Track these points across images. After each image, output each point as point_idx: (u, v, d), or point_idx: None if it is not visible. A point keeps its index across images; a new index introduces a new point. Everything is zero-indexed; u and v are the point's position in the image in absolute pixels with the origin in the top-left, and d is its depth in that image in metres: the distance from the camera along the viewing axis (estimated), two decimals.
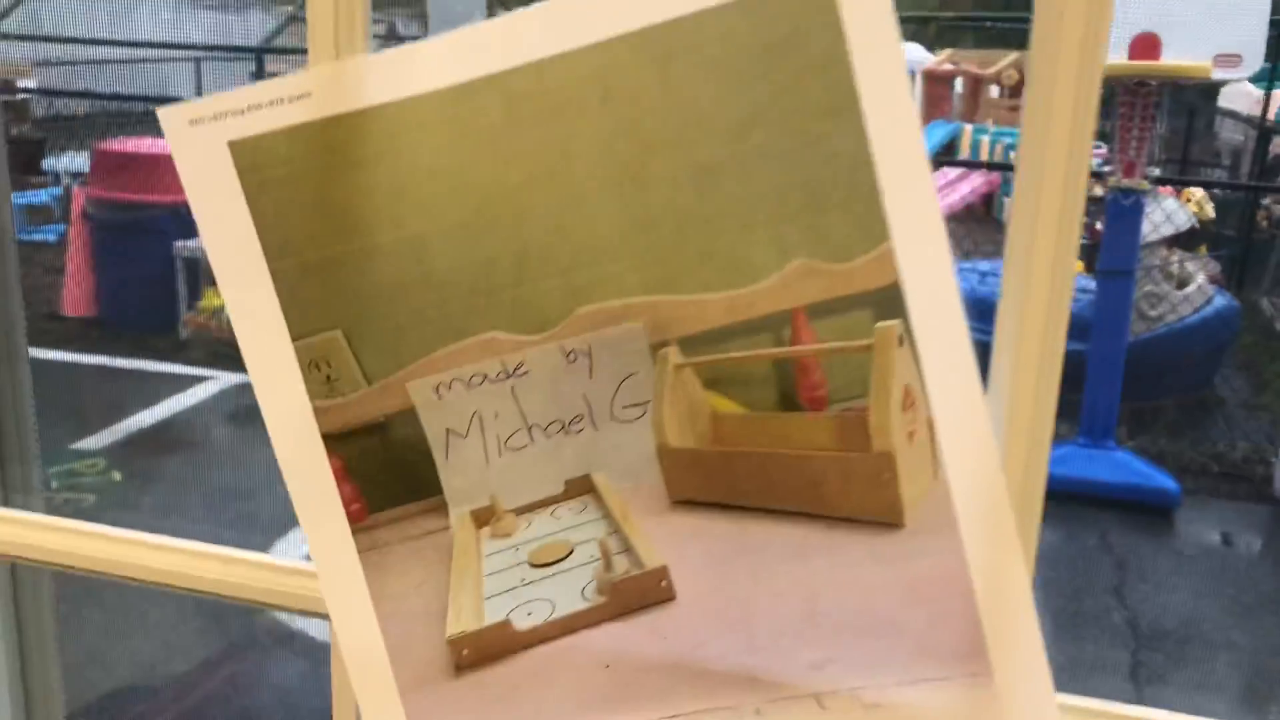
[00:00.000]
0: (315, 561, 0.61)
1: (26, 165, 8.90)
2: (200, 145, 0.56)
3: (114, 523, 0.76)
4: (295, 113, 0.56)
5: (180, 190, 0.57)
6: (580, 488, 0.60)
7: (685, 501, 0.60)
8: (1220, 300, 5.81)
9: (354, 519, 0.60)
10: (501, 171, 0.57)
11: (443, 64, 0.55)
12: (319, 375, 0.59)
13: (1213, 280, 6.18)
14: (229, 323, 0.57)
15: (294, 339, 0.58)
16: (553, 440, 0.59)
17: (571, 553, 0.61)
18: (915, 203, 0.52)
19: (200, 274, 6.41)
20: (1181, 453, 5.22)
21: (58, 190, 8.75)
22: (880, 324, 0.54)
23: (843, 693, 0.58)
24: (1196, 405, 5.78)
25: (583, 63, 0.54)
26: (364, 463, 0.60)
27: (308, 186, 0.57)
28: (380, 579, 0.61)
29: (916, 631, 0.57)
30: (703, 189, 0.55)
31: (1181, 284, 5.80)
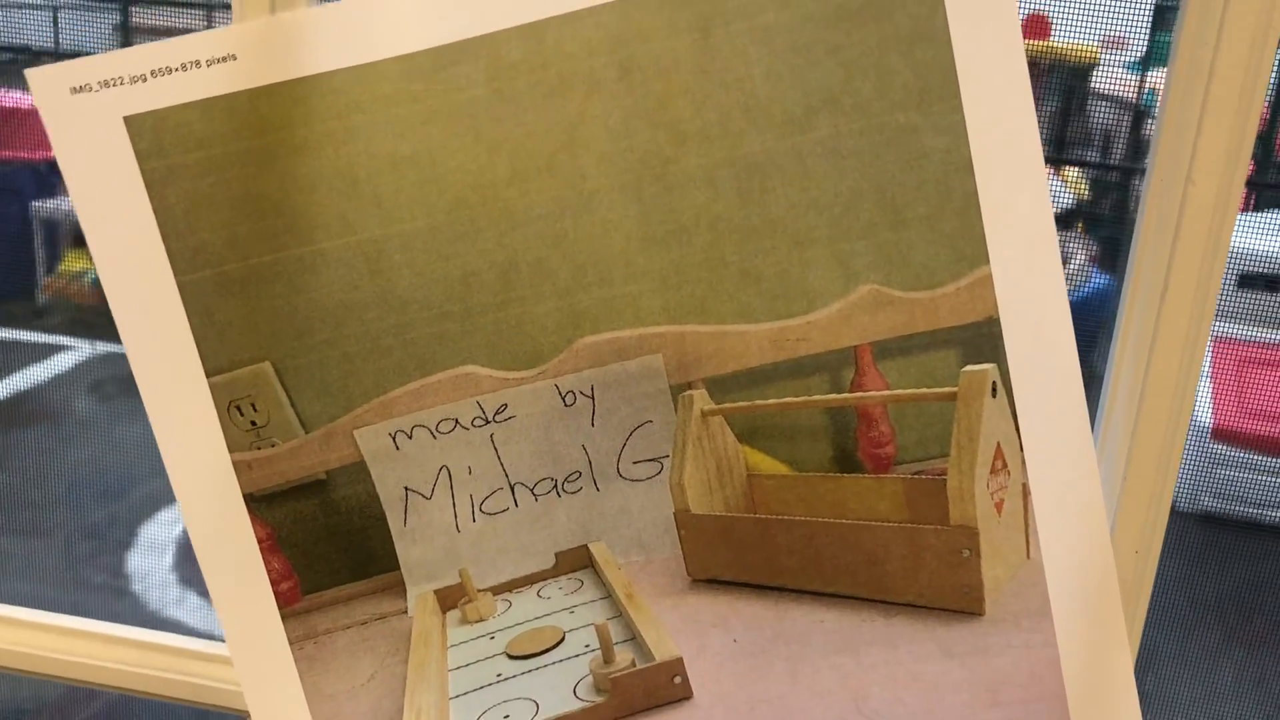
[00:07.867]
0: (234, 654, 0.47)
1: None
2: (86, 121, 0.42)
3: None
4: (215, 80, 0.42)
5: (39, 146, 0.43)
6: (575, 561, 0.49)
7: (709, 580, 0.48)
8: (1099, 280, 5.93)
9: (284, 601, 0.47)
10: (485, 163, 0.44)
11: (412, 22, 0.42)
12: (242, 420, 0.45)
13: (1092, 260, 6.32)
14: (92, 287, 0.43)
15: (209, 374, 0.45)
16: (542, 503, 0.48)
17: (562, 641, 0.49)
18: (1025, 218, 0.41)
19: (60, 236, 6.05)
20: None
21: None
22: (969, 368, 0.43)
23: None
24: None
25: (595, 25, 0.42)
26: (298, 531, 0.48)
27: (230, 177, 0.44)
28: (317, 675, 0.48)
29: None
30: (748, 193, 0.43)
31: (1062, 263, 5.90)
